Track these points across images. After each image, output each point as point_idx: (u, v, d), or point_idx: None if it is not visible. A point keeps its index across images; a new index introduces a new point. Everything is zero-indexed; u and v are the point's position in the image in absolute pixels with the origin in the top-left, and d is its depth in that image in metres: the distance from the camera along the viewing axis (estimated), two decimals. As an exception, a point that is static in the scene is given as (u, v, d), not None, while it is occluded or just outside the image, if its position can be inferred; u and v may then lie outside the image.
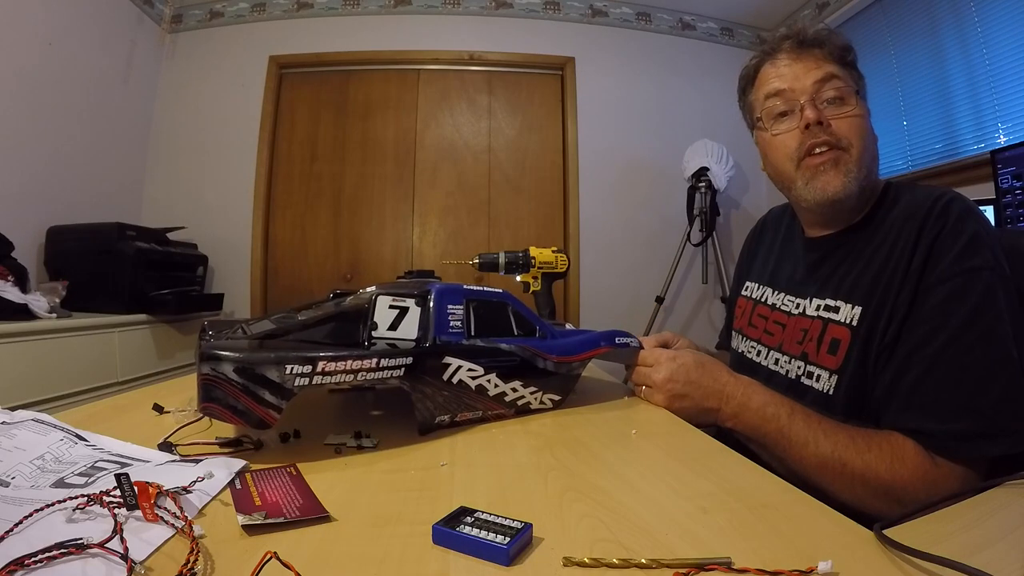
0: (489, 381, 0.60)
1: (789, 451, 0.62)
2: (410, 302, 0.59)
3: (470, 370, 0.58)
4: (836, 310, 0.70)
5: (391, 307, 0.59)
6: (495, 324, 0.64)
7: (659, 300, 2.52)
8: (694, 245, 2.52)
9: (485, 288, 0.66)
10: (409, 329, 0.57)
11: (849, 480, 0.57)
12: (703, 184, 2.44)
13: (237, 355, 0.47)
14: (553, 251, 1.16)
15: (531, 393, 0.65)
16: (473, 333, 0.61)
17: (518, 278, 1.16)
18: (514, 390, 0.63)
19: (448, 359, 0.57)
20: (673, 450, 0.55)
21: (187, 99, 2.69)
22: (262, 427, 0.48)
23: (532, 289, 1.16)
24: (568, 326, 0.81)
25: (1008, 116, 1.80)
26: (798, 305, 0.77)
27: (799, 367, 0.73)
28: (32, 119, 1.99)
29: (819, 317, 0.72)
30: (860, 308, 0.66)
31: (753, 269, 0.94)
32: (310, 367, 0.48)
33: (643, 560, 0.31)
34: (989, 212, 1.61)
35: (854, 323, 0.66)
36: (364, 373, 0.50)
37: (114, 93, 2.41)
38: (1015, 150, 1.54)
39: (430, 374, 0.56)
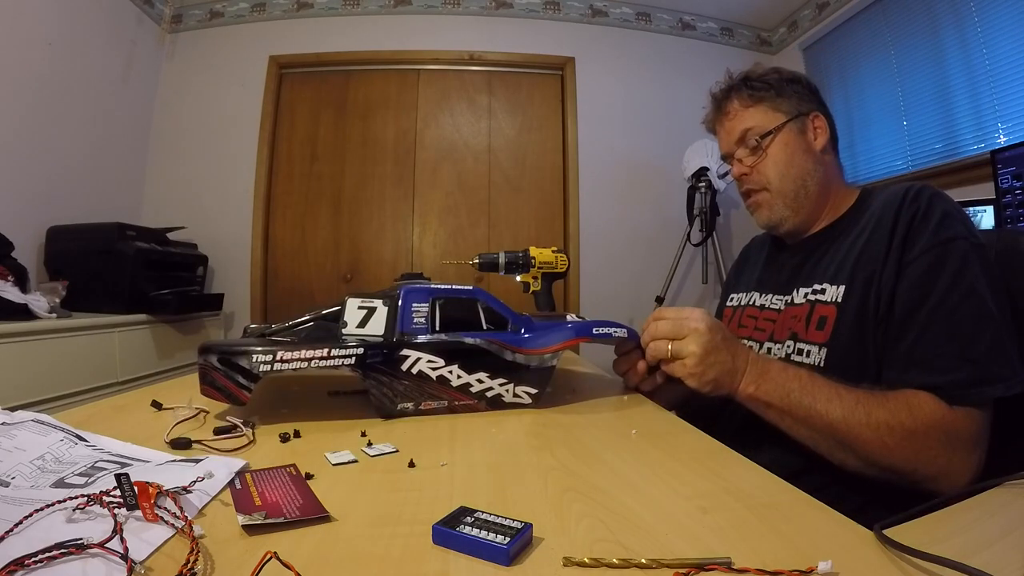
0: (451, 372, 0.65)
1: (815, 407, 0.63)
2: (378, 303, 0.66)
3: (430, 362, 0.64)
4: (822, 292, 0.75)
5: (360, 308, 0.66)
6: (464, 319, 0.69)
7: (659, 300, 2.52)
8: (694, 245, 2.52)
9: (454, 286, 0.70)
10: (376, 326, 0.65)
11: (875, 429, 0.60)
12: (703, 184, 2.44)
13: (219, 347, 0.59)
14: (553, 251, 1.16)
15: (500, 385, 0.68)
16: (438, 328, 0.66)
17: (518, 278, 1.16)
18: (480, 381, 0.67)
19: (406, 351, 0.64)
20: (673, 450, 0.55)
21: (187, 99, 2.69)
22: (239, 404, 0.59)
23: (532, 289, 1.16)
24: (571, 317, 0.81)
25: (1008, 116, 1.79)
26: (784, 300, 0.82)
27: (789, 346, 0.76)
28: (32, 119, 1.99)
29: (807, 302, 0.76)
30: (843, 286, 0.72)
31: (739, 283, 0.98)
32: (271, 356, 0.58)
33: (643, 560, 0.31)
34: (989, 212, 1.61)
35: (839, 300, 0.71)
36: (317, 361, 0.60)
37: (114, 93, 2.41)
38: (1015, 150, 1.54)
39: (385, 364, 0.63)
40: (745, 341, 0.86)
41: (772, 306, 0.84)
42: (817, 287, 0.76)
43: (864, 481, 0.63)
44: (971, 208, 1.66)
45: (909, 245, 0.67)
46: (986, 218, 1.62)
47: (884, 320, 0.67)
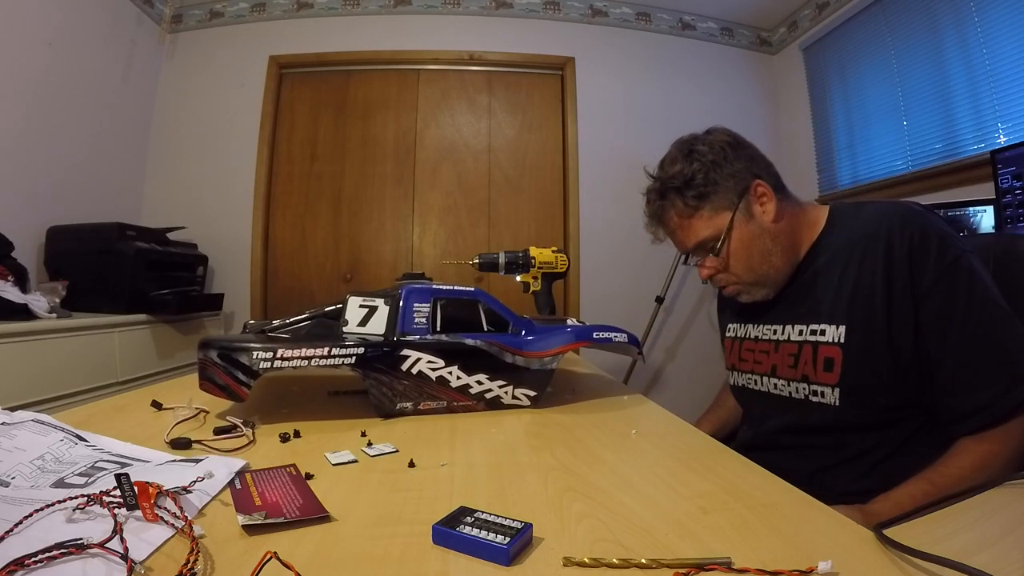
0: (451, 373, 0.66)
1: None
2: (379, 301, 0.66)
3: (429, 362, 0.64)
4: (822, 332, 0.75)
5: (361, 306, 0.66)
6: (464, 320, 0.69)
7: (659, 300, 2.52)
8: (694, 245, 2.52)
9: (456, 287, 0.70)
10: (377, 325, 0.65)
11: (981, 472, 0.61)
12: (703, 184, 2.43)
13: (219, 343, 0.59)
14: (553, 251, 1.16)
15: (500, 387, 0.68)
16: (439, 329, 0.66)
17: (518, 278, 1.16)
18: (479, 383, 0.67)
19: (407, 351, 0.64)
20: (673, 450, 0.55)
21: (187, 99, 2.69)
22: (238, 400, 0.59)
23: (532, 289, 1.16)
24: (571, 321, 0.81)
25: (1008, 116, 1.79)
26: (776, 332, 0.83)
27: (804, 388, 0.77)
28: (32, 119, 1.99)
29: (806, 341, 0.77)
30: (844, 327, 0.72)
31: (733, 312, 0.98)
32: (271, 353, 0.58)
33: (643, 560, 0.31)
34: (989, 212, 1.61)
35: (841, 341, 0.72)
36: (317, 360, 0.59)
37: (114, 93, 2.40)
38: (1015, 150, 1.54)
39: (386, 364, 0.63)
40: (749, 376, 0.88)
41: (764, 337, 0.85)
42: (815, 327, 0.76)
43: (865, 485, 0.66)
44: (971, 208, 1.66)
45: (917, 279, 0.67)
46: (986, 218, 1.62)
47: (917, 354, 0.68)
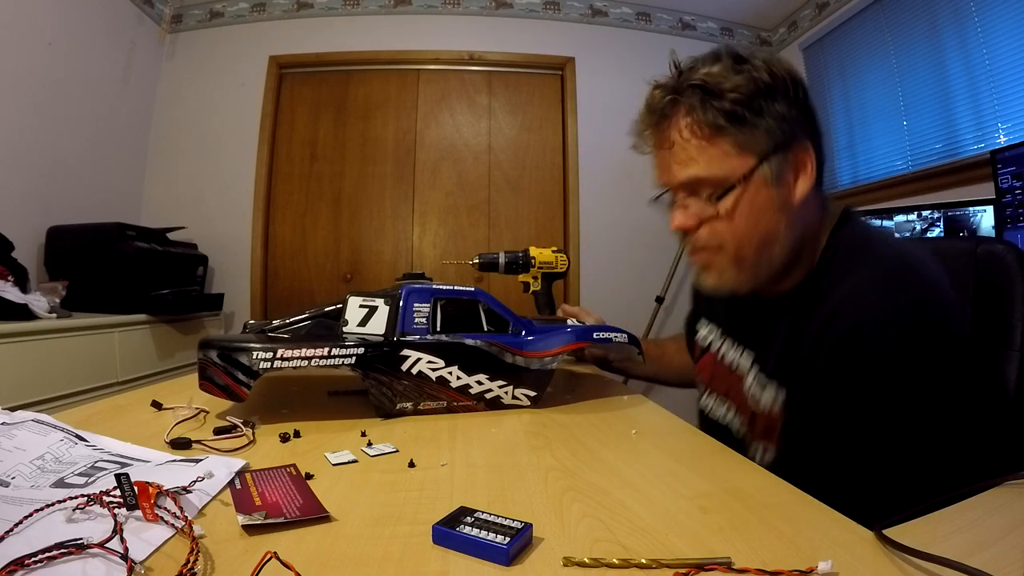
0: (451, 373, 0.65)
1: None
2: (379, 301, 0.66)
3: (430, 362, 0.64)
4: (764, 388, 0.65)
5: (361, 306, 0.66)
6: (465, 320, 0.69)
7: (659, 300, 2.52)
8: (694, 245, 2.52)
9: (456, 287, 0.70)
10: (377, 325, 0.65)
11: None
12: (703, 184, 2.43)
13: (219, 342, 0.59)
14: (553, 251, 1.16)
15: (500, 387, 0.68)
16: (439, 329, 0.66)
17: (518, 278, 1.16)
18: (479, 383, 0.67)
19: (407, 351, 0.63)
20: (673, 450, 0.55)
21: (187, 99, 2.69)
22: (237, 400, 0.59)
23: (532, 289, 1.16)
24: (571, 322, 0.81)
25: (1008, 116, 1.79)
26: (736, 361, 0.72)
27: (747, 434, 0.70)
28: (32, 119, 1.99)
29: (752, 394, 0.67)
30: (783, 392, 0.62)
31: (709, 309, 0.85)
32: (271, 353, 0.58)
33: (643, 560, 0.31)
34: (989, 212, 1.61)
35: (778, 408, 0.63)
36: (317, 360, 0.59)
37: (114, 93, 2.40)
38: (1015, 150, 1.54)
39: (386, 364, 0.63)
40: (716, 400, 0.77)
41: (728, 360, 0.74)
42: (763, 379, 0.65)
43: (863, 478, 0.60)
44: (971, 208, 1.66)
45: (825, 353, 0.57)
46: (986, 218, 1.62)
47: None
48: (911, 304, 0.54)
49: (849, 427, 0.55)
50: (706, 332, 0.82)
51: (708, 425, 0.77)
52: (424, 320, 0.66)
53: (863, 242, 0.62)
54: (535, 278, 1.15)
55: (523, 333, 0.71)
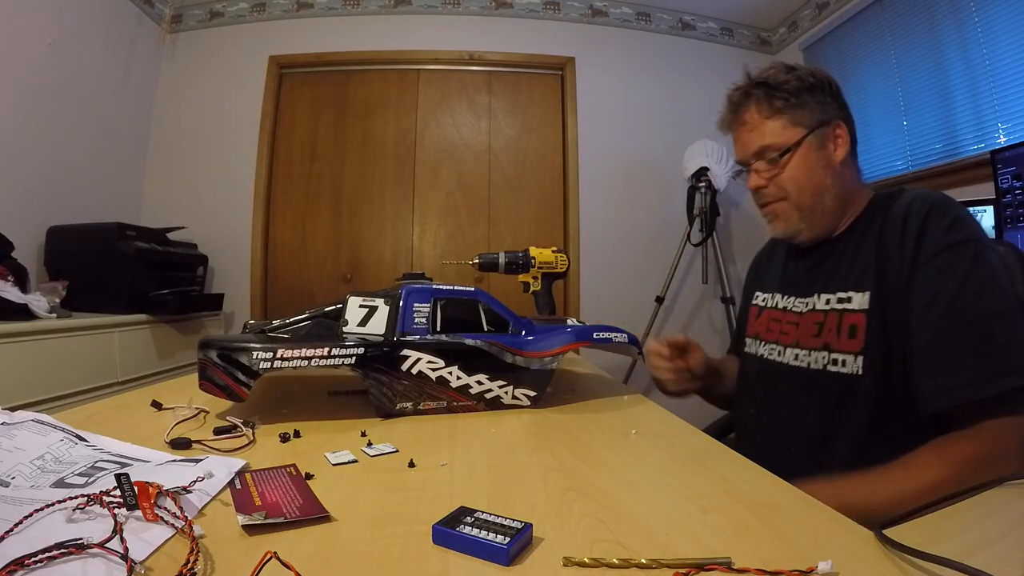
0: (451, 373, 0.65)
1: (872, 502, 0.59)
2: (379, 301, 0.66)
3: (430, 362, 0.64)
4: (849, 300, 0.75)
5: (361, 306, 0.66)
6: (465, 320, 0.69)
7: (659, 300, 2.52)
8: (694, 245, 2.52)
9: (456, 287, 0.70)
10: (377, 325, 0.65)
11: (926, 493, 0.55)
12: (703, 184, 2.44)
13: (219, 343, 0.59)
14: (553, 251, 1.16)
15: (500, 387, 0.68)
16: (439, 329, 0.66)
17: (518, 278, 1.16)
18: (479, 383, 0.67)
19: (407, 351, 0.64)
20: (673, 450, 0.55)
21: (187, 99, 2.69)
22: (237, 400, 0.59)
23: (532, 289, 1.16)
24: (571, 321, 0.81)
25: (1008, 116, 1.79)
26: (806, 304, 0.82)
27: (823, 357, 0.76)
28: (32, 119, 1.99)
29: (832, 310, 0.76)
30: (868, 292, 0.72)
31: (764, 282, 0.98)
32: (271, 354, 0.58)
33: (643, 560, 0.31)
34: (989, 212, 1.61)
35: (866, 306, 0.72)
36: (317, 360, 0.60)
37: (114, 93, 2.40)
38: (1015, 150, 1.54)
39: (386, 364, 0.63)
40: (773, 346, 0.87)
41: (794, 308, 0.85)
42: (842, 295, 0.76)
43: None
44: (971, 208, 1.66)
45: (919, 251, 0.67)
46: (986, 218, 1.62)
47: (901, 326, 0.67)
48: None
49: (954, 285, 0.64)
50: (763, 298, 0.95)
51: (758, 367, 0.89)
52: (424, 320, 0.66)
53: (900, 189, 0.79)
54: (535, 278, 1.15)
55: (523, 333, 0.71)
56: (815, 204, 0.80)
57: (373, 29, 2.74)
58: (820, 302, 0.79)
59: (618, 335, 0.78)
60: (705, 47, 2.90)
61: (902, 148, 2.22)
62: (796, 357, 0.81)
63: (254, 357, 0.58)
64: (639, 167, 2.79)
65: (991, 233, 1.57)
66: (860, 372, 0.70)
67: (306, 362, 0.59)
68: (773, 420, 0.83)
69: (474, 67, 2.79)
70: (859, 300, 0.73)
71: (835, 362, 0.74)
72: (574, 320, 0.83)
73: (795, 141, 0.79)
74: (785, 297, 0.88)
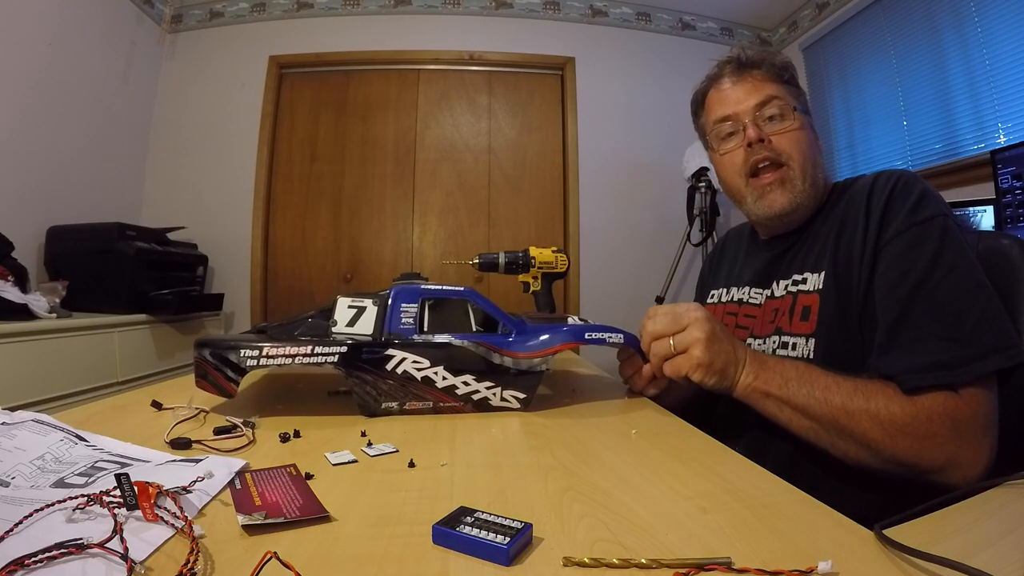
0: (436, 373, 0.65)
1: (813, 395, 0.60)
2: (368, 302, 0.67)
3: (415, 362, 0.64)
4: (803, 282, 0.73)
5: (350, 307, 0.67)
6: (455, 320, 0.68)
7: (659, 300, 2.52)
8: (694, 245, 2.52)
9: (445, 287, 0.70)
10: (365, 325, 0.66)
11: (874, 417, 0.57)
12: (703, 184, 2.44)
13: (212, 342, 0.61)
14: (553, 251, 1.16)
15: (487, 388, 0.67)
16: (426, 329, 0.66)
17: (518, 278, 1.16)
18: (465, 384, 0.66)
19: (392, 351, 0.64)
20: (673, 450, 0.55)
21: (187, 99, 2.69)
22: (228, 396, 0.61)
23: (532, 289, 1.16)
24: (572, 319, 0.79)
25: (1008, 116, 1.79)
26: (763, 294, 0.81)
27: (774, 341, 0.74)
28: (32, 119, 1.99)
29: (788, 293, 0.75)
30: (823, 272, 0.70)
31: (717, 279, 0.96)
32: (257, 352, 0.60)
33: (643, 560, 0.31)
34: (989, 212, 1.61)
35: (820, 287, 0.70)
36: (300, 358, 0.61)
37: (114, 93, 2.41)
38: (1015, 150, 1.54)
39: (370, 363, 0.63)
40: None
41: (752, 300, 0.83)
42: (797, 277, 0.74)
43: (862, 475, 0.61)
44: (971, 208, 1.66)
45: (885, 225, 0.65)
46: (986, 218, 1.62)
47: (864, 306, 0.65)
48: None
49: (913, 260, 0.62)
50: (716, 295, 0.94)
51: None
52: (411, 320, 0.66)
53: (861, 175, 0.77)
54: (535, 278, 1.15)
55: (513, 333, 0.69)
56: (815, 177, 0.77)
57: (373, 29, 2.74)
58: (779, 289, 0.77)
59: (612, 335, 0.77)
60: (705, 47, 2.90)
61: (902, 148, 2.22)
62: (752, 348, 0.78)
63: (241, 355, 0.60)
64: (639, 167, 2.79)
65: (991, 233, 1.58)
66: (810, 355, 0.68)
67: (290, 360, 0.61)
68: (744, 413, 0.74)
69: (474, 67, 2.80)
70: (813, 281, 0.71)
71: (785, 345, 0.72)
72: (574, 318, 0.81)
73: (800, 106, 0.78)
74: (741, 289, 0.86)
